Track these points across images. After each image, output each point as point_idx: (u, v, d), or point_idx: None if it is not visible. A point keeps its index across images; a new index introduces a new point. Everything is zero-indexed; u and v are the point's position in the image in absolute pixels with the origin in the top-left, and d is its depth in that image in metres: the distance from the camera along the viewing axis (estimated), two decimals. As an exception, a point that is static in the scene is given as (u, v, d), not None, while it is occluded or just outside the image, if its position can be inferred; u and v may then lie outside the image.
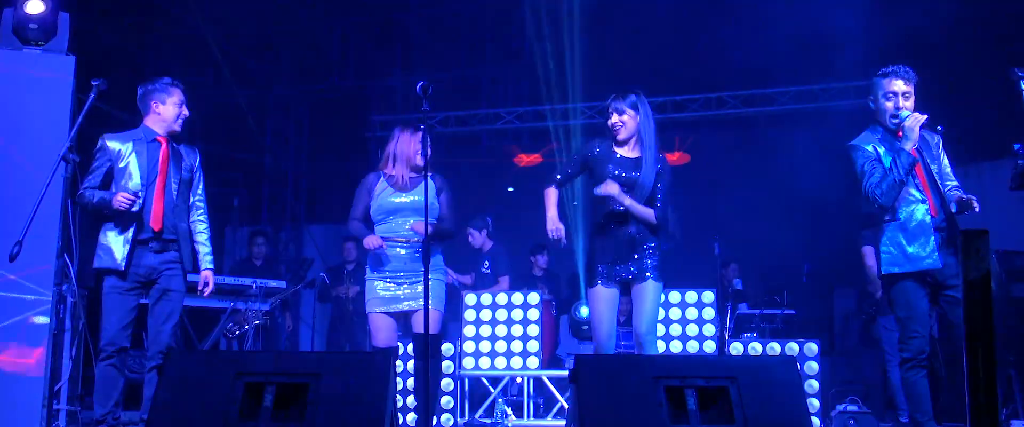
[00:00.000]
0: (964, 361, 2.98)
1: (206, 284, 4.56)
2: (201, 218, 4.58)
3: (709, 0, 8.42)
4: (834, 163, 8.74)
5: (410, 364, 6.07)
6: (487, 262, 7.54)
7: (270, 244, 8.84)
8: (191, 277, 4.52)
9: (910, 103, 4.08)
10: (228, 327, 6.96)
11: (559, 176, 4.43)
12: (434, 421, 4.45)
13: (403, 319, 4.62)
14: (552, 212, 4.37)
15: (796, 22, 7.80)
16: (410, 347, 5.91)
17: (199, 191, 4.59)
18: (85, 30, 5.43)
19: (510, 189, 10.30)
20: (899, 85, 4.09)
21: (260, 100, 10.58)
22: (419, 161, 4.56)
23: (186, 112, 4.51)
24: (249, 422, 3.01)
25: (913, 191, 4.06)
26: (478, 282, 7.45)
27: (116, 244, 4.27)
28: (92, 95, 4.16)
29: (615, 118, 4.33)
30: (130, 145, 4.36)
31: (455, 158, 10.04)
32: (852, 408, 6.03)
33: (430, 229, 4.41)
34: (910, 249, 4.02)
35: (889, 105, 4.10)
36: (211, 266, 4.59)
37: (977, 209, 3.96)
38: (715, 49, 8.90)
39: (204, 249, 4.56)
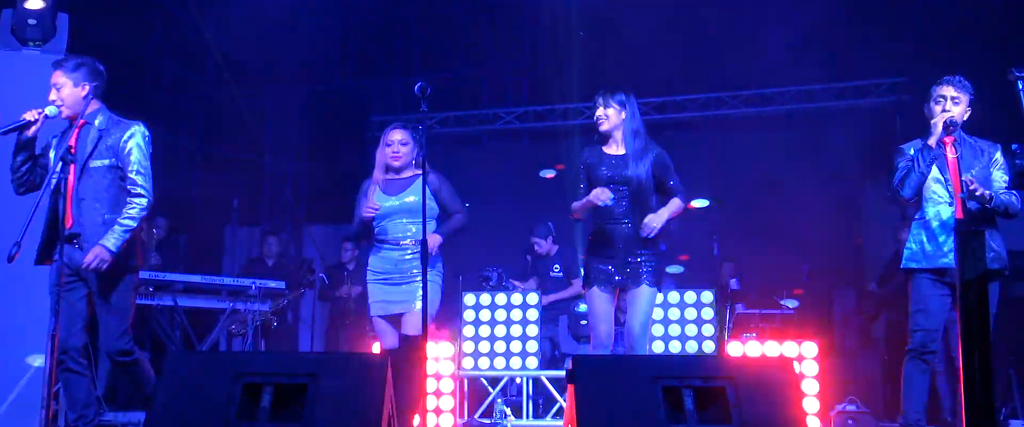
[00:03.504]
0: (961, 360, 2.99)
1: (93, 258, 3.93)
2: (130, 201, 4.06)
3: (709, 1, 8.42)
4: (834, 163, 8.78)
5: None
6: (557, 266, 7.56)
7: (282, 243, 8.86)
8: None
9: (958, 109, 4.20)
10: (232, 328, 6.97)
11: (581, 197, 4.46)
12: (419, 421, 4.42)
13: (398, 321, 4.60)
14: (593, 193, 4.28)
15: (796, 22, 7.80)
16: None
17: (130, 174, 4.07)
18: (84, 30, 5.43)
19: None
20: (949, 90, 4.22)
21: (259, 100, 10.58)
22: (392, 162, 4.58)
23: (51, 98, 4.05)
24: (247, 423, 3.01)
25: (941, 191, 4.19)
26: (549, 287, 7.43)
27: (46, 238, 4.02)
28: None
29: (599, 110, 4.44)
30: (56, 140, 4.18)
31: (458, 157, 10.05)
32: (851, 408, 6.04)
33: (435, 229, 4.43)
34: (929, 247, 4.17)
35: (937, 108, 4.23)
36: (107, 243, 3.94)
37: (981, 193, 4.00)
38: (714, 49, 8.90)
39: (115, 226, 3.98)
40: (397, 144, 4.57)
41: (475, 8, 9.75)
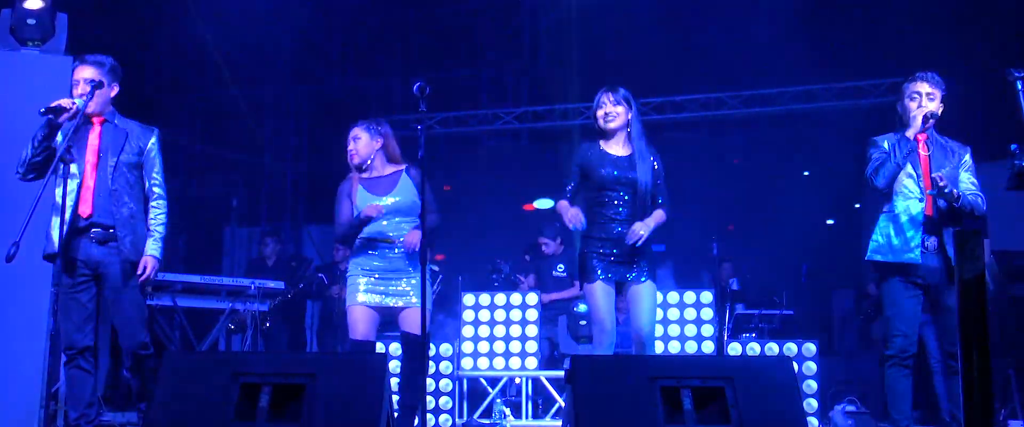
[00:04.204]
0: (959, 361, 2.98)
1: (144, 269, 4.13)
2: (156, 204, 4.25)
3: (709, 1, 8.43)
4: (833, 163, 8.78)
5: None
6: (561, 265, 7.58)
7: (281, 243, 8.85)
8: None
9: (933, 105, 4.20)
10: (231, 325, 6.98)
11: (569, 192, 4.42)
12: (418, 420, 4.41)
13: (387, 314, 4.57)
14: (570, 212, 4.31)
15: (795, 22, 7.81)
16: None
17: (155, 175, 4.27)
18: (83, 31, 5.43)
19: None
20: (924, 87, 4.22)
21: (259, 100, 10.59)
22: (351, 161, 4.58)
23: (79, 90, 4.08)
24: (245, 423, 3.01)
25: (912, 186, 4.17)
26: (549, 286, 7.43)
27: (54, 229, 4.06)
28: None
29: (608, 107, 4.36)
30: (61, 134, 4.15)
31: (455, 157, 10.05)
32: (850, 408, 6.04)
33: (417, 227, 4.41)
34: (895, 240, 4.16)
35: (912, 105, 4.22)
36: (155, 253, 4.17)
37: (949, 190, 4.00)
38: (714, 49, 8.90)
39: (154, 234, 4.20)
40: (351, 141, 4.57)
41: (475, 8, 9.76)
